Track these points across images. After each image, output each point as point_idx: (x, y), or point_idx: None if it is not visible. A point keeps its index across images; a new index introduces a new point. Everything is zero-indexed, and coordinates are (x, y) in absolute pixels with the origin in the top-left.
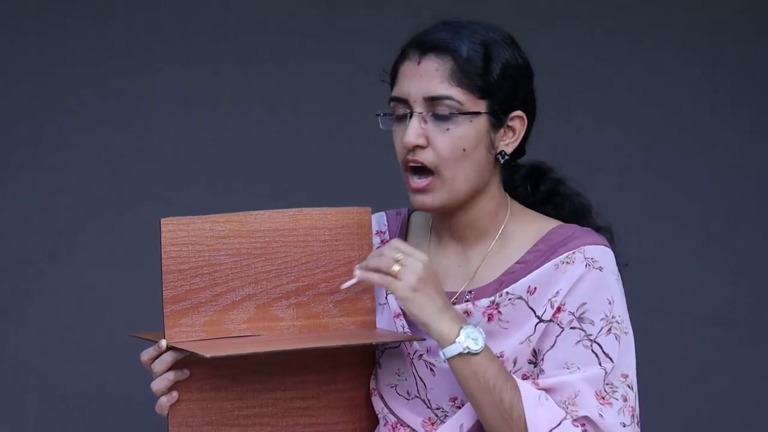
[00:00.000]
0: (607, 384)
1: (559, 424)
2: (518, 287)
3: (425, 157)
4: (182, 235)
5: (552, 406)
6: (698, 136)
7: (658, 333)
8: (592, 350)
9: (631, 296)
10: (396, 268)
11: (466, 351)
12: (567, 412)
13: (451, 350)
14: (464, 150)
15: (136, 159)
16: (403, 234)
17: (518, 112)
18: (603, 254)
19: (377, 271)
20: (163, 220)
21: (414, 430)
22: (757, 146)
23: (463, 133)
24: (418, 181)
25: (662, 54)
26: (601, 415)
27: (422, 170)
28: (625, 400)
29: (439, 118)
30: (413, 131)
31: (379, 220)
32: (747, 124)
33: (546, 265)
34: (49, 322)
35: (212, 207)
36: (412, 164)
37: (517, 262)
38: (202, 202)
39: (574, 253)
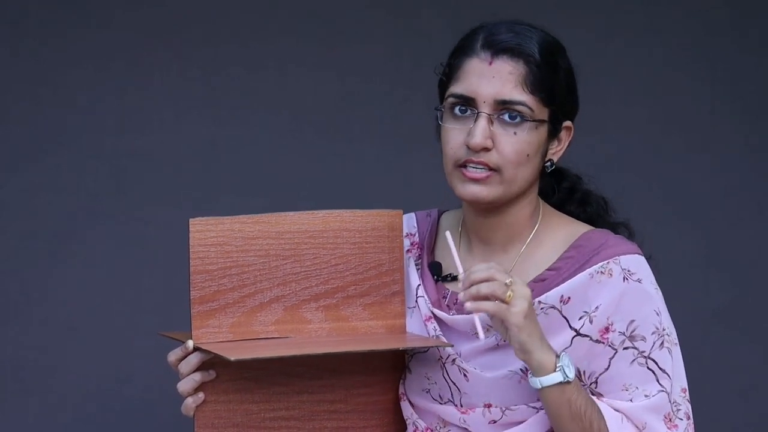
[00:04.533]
0: (672, 403)
1: None
2: (551, 296)
3: (490, 158)
4: (211, 235)
5: (632, 428)
6: (698, 136)
7: None
8: (648, 368)
9: None
10: (509, 294)
11: (566, 380)
12: None
13: (550, 379)
14: (528, 156)
15: (136, 159)
16: (433, 236)
17: (568, 123)
18: (638, 264)
19: (490, 297)
20: (191, 221)
21: (450, 423)
22: (757, 146)
23: (529, 139)
24: (475, 171)
25: (662, 55)
26: None
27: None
28: (688, 417)
29: (508, 122)
30: (481, 132)
31: (408, 222)
32: (747, 124)
33: (580, 275)
34: (49, 322)
35: (212, 207)
36: (473, 166)
37: (549, 269)
38: (202, 202)
39: (608, 263)
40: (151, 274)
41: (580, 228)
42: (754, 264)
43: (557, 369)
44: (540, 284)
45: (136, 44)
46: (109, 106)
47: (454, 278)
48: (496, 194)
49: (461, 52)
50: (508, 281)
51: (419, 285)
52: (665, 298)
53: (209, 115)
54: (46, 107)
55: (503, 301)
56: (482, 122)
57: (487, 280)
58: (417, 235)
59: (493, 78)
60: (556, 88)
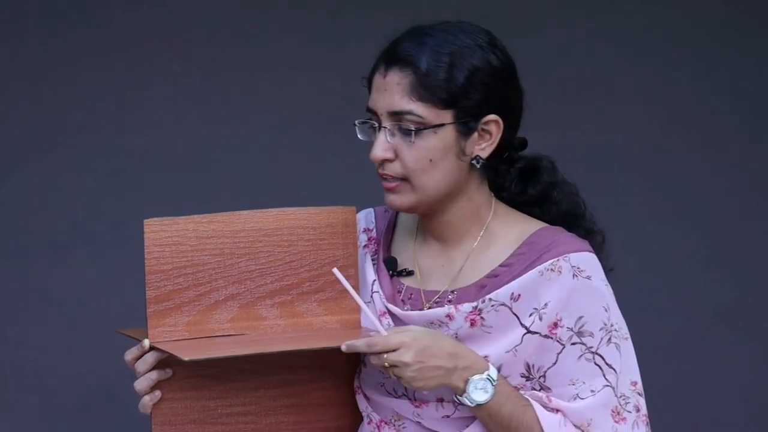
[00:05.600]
0: (620, 397)
1: None
2: (501, 294)
3: (393, 169)
4: (165, 235)
5: (572, 429)
6: (698, 136)
7: (656, 333)
8: (594, 363)
9: (630, 296)
10: (396, 371)
11: (475, 405)
12: None
13: (461, 400)
14: (431, 160)
15: (136, 159)
16: (390, 232)
17: (492, 117)
18: (588, 261)
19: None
20: (146, 221)
21: (403, 417)
22: (757, 146)
23: (428, 146)
24: (387, 182)
25: (662, 55)
26: None
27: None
28: (638, 410)
29: (404, 132)
30: (380, 146)
31: (367, 218)
32: (746, 124)
33: (530, 272)
34: (49, 322)
35: (212, 207)
36: (384, 177)
37: (501, 265)
38: (202, 202)
39: (558, 260)
40: None
41: (534, 225)
42: (754, 264)
43: (464, 396)
44: (493, 280)
45: (136, 44)
46: (109, 106)
47: (410, 273)
48: (411, 201)
49: (374, 65)
50: (384, 363)
51: (375, 280)
52: (665, 298)
53: (209, 115)
54: (46, 107)
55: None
56: (381, 136)
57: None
58: (375, 230)
59: (385, 91)
60: (453, 89)
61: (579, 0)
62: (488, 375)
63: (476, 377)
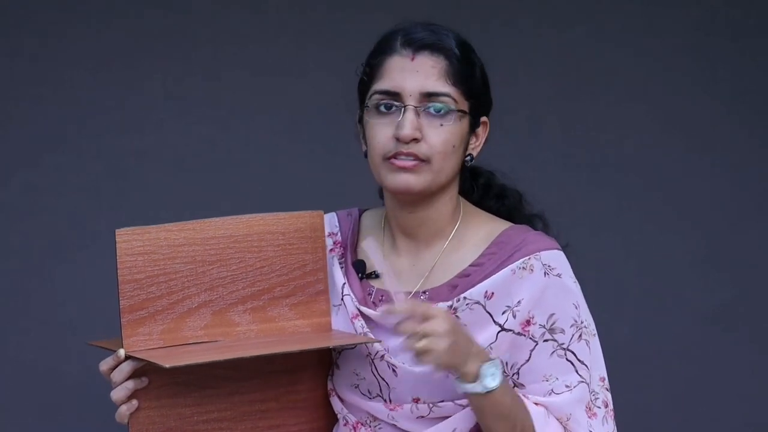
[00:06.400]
0: (591, 392)
1: None
2: (475, 292)
3: (419, 149)
4: (137, 245)
5: (555, 423)
6: (698, 136)
7: (656, 333)
8: (567, 359)
9: (630, 296)
10: (424, 343)
11: (485, 391)
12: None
13: (470, 388)
14: (453, 146)
15: (136, 159)
16: (355, 235)
17: (484, 118)
18: (558, 258)
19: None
20: (117, 231)
21: (378, 419)
22: (756, 146)
23: (454, 130)
24: (405, 161)
25: (662, 55)
26: (592, 431)
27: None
28: (606, 405)
29: (434, 113)
30: (410, 124)
31: (330, 222)
32: (746, 124)
33: (502, 271)
34: (49, 322)
35: (212, 207)
36: (404, 157)
37: (471, 265)
38: (202, 202)
39: (530, 259)
40: None
41: (500, 225)
42: (754, 264)
43: (477, 381)
44: (464, 279)
45: (136, 45)
46: (109, 106)
47: (379, 275)
48: (425, 183)
49: (381, 52)
50: (419, 329)
51: (344, 283)
52: (666, 298)
53: (209, 115)
54: (46, 107)
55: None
56: (410, 114)
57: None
58: (339, 234)
59: (416, 72)
60: (473, 83)
61: (579, 0)
62: (497, 361)
63: (488, 363)
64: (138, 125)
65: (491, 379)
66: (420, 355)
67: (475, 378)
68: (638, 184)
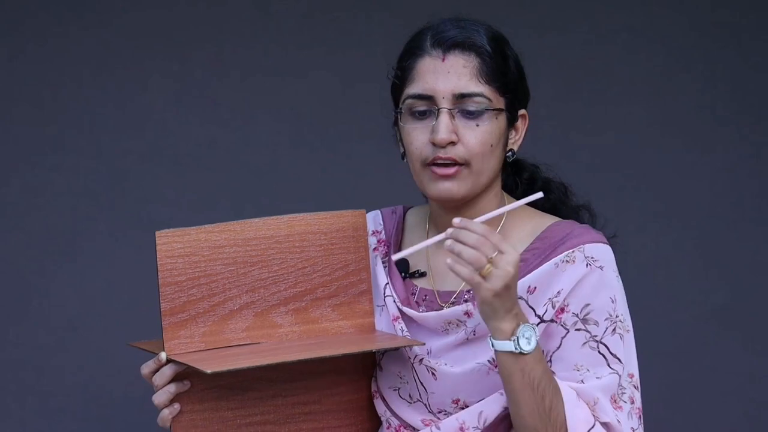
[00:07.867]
0: (619, 386)
1: (594, 426)
2: (518, 287)
3: (457, 152)
4: (177, 246)
5: (586, 408)
6: (697, 136)
7: (656, 333)
8: (599, 352)
9: (630, 296)
10: (487, 268)
11: (518, 350)
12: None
13: (502, 345)
14: (491, 146)
15: (136, 159)
16: (399, 233)
17: (523, 111)
18: (603, 252)
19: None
20: (157, 233)
21: (416, 430)
22: (756, 147)
23: (490, 129)
24: (445, 168)
25: (662, 55)
26: (619, 422)
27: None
28: (633, 402)
29: (469, 114)
30: (446, 127)
31: (374, 219)
32: (747, 125)
33: (545, 265)
34: (49, 322)
35: (211, 208)
36: (441, 162)
37: None
38: (201, 203)
39: (573, 251)
40: (150, 274)
41: (546, 220)
42: (753, 264)
43: (512, 339)
44: None
45: (136, 44)
46: (109, 106)
47: (423, 274)
48: (466, 188)
49: (411, 53)
50: (493, 254)
51: (387, 284)
52: (665, 298)
53: (209, 115)
54: (46, 107)
55: (480, 272)
56: (444, 117)
57: (473, 247)
58: (383, 232)
59: (448, 73)
60: (508, 77)
61: (579, 0)
62: (534, 328)
63: (526, 325)
64: (138, 125)
65: (526, 341)
66: (474, 281)
67: (510, 336)
68: (638, 184)
